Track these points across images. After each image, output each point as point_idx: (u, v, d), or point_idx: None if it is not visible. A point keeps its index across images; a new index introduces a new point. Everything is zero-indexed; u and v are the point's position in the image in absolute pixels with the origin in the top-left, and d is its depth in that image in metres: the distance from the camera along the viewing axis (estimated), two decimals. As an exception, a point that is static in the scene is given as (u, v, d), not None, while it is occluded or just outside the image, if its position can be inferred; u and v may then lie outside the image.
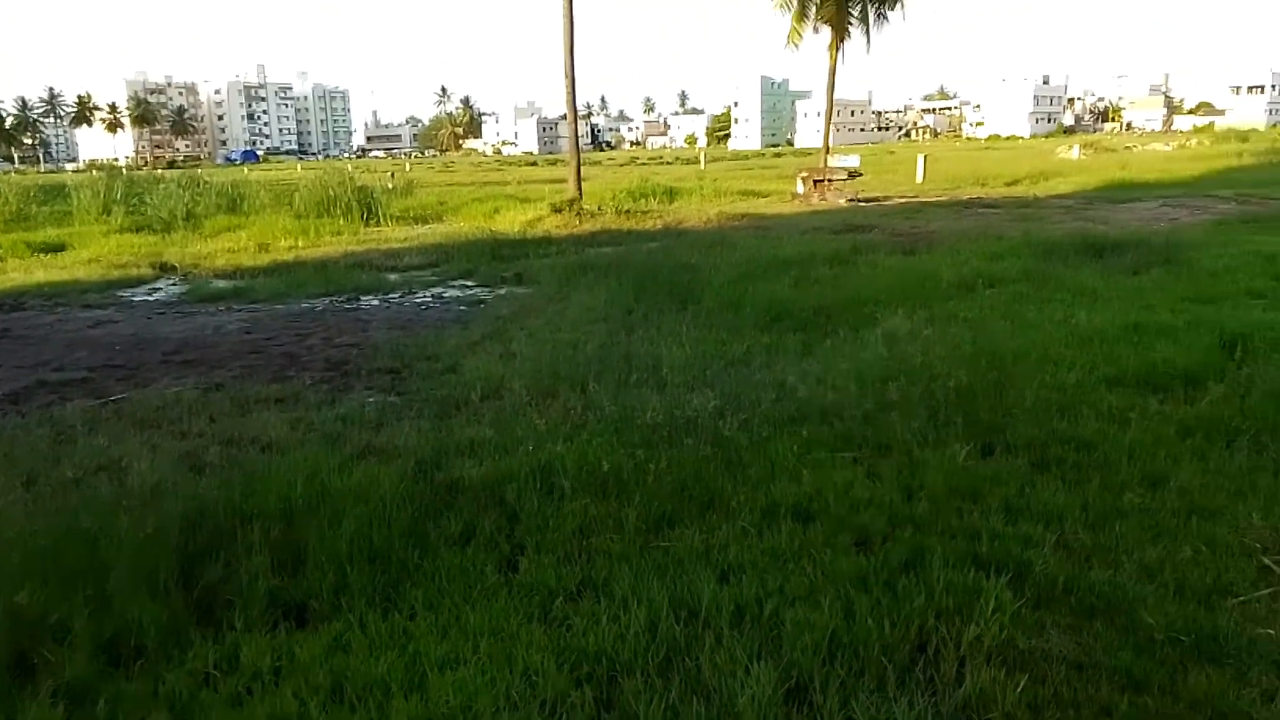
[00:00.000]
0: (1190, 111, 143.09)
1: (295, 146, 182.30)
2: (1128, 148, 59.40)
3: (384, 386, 7.75)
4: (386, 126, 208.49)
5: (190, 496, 4.79)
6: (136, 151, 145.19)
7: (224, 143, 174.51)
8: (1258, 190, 24.63)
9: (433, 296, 12.83)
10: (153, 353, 9.50)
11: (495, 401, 6.81)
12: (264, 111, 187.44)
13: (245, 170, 71.13)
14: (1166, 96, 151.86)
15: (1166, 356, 6.99)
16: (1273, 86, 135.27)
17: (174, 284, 14.82)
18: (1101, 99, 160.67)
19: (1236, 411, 5.76)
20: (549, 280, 13.02)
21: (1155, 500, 4.66)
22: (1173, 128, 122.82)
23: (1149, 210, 20.60)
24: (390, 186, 32.22)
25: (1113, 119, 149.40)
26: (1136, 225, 16.98)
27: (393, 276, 14.54)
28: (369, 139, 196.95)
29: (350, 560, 4.08)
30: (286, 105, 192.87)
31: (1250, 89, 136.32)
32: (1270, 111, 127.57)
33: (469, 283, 13.93)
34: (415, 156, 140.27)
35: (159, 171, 57.68)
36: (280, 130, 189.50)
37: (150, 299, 13.52)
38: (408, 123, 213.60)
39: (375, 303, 12.43)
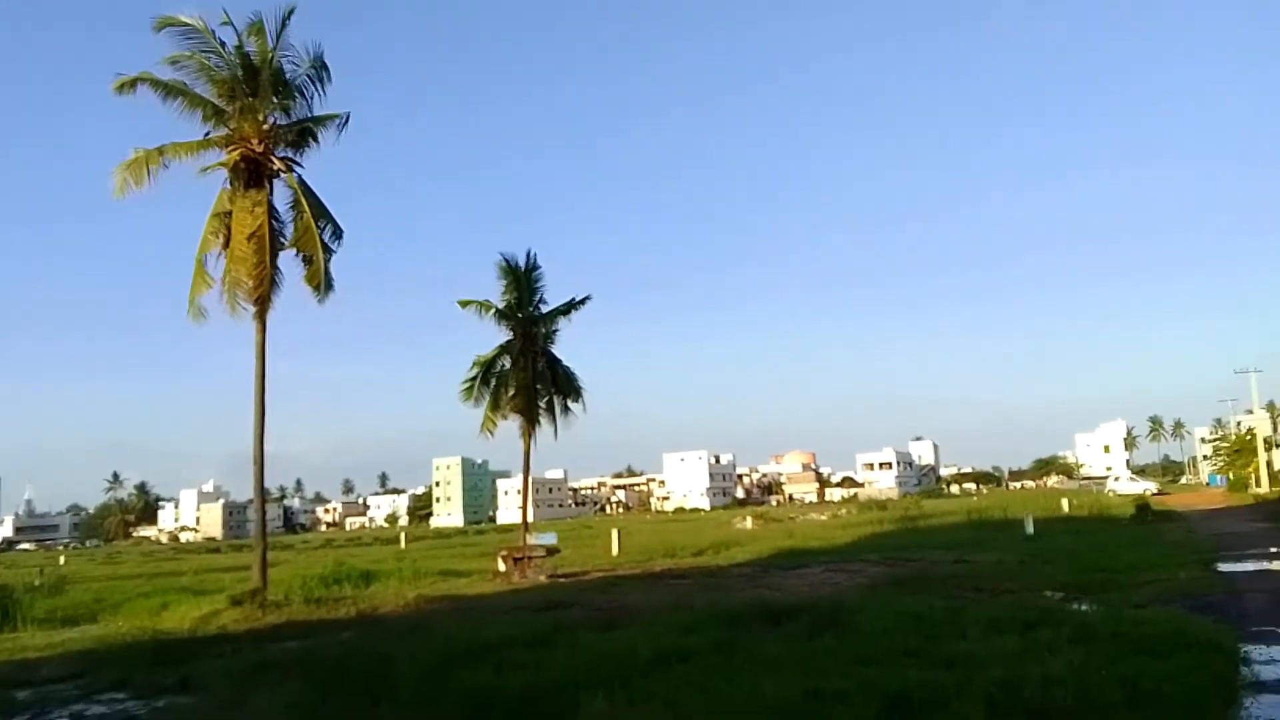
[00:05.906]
0: (838, 484, 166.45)
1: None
2: (791, 518, 66.55)
3: (-12, 844, 6.26)
4: (43, 516, 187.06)
5: None
6: None
7: None
8: (900, 553, 28.27)
9: (70, 716, 10.90)
10: None
11: None
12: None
13: None
14: (816, 472, 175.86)
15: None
16: (898, 463, 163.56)
17: None
18: (765, 475, 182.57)
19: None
20: (220, 685, 11.63)
21: None
22: (826, 498, 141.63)
23: (815, 575, 22.74)
24: (37, 584, 28.50)
25: (776, 492, 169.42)
26: (806, 591, 18.61)
27: (23, 694, 12.27)
28: (18, 530, 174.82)
29: None
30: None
31: (881, 465, 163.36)
32: (900, 483, 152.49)
33: (120, 695, 12.05)
34: (74, 547, 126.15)
35: None
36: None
37: None
38: (69, 511, 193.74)
39: (-7, 732, 10.33)
